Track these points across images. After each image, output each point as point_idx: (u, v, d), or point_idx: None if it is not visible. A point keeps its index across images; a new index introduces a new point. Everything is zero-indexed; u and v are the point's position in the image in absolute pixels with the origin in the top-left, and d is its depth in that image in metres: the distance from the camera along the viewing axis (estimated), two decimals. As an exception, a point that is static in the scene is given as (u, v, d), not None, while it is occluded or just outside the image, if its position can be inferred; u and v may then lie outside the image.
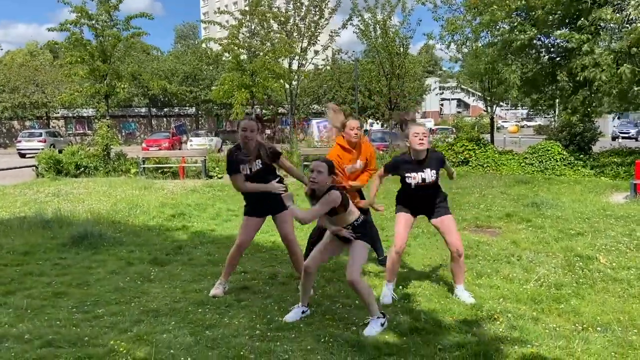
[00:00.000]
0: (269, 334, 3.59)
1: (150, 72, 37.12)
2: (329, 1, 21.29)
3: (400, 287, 4.56)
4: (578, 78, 12.41)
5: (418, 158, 4.15)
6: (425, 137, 4.10)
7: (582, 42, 12.10)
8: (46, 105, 42.18)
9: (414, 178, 4.15)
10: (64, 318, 3.88)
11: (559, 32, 12.48)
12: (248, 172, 4.34)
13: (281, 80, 19.40)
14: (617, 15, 11.68)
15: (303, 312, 3.91)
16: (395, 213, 4.44)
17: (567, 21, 12.98)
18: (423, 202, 4.31)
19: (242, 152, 4.35)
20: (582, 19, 12.12)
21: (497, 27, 14.67)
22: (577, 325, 3.67)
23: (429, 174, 4.15)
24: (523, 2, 13.03)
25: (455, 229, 4.33)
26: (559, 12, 12.95)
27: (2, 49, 47.76)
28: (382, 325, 3.64)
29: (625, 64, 11.51)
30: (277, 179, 4.43)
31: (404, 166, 4.19)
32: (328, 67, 34.21)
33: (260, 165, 4.34)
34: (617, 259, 5.33)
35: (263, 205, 4.44)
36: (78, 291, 4.59)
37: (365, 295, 3.68)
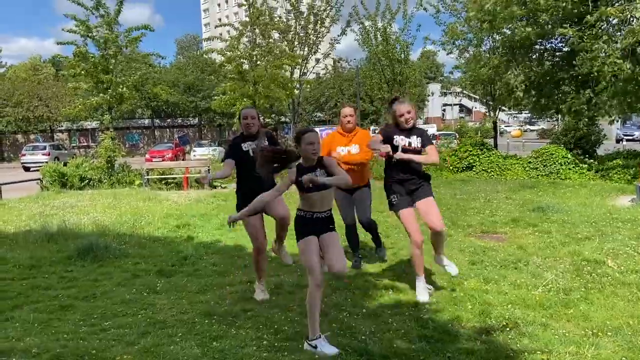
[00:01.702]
0: (276, 344, 3.57)
1: (153, 82, 37.42)
2: (330, 10, 21.43)
3: (407, 294, 4.53)
4: (581, 76, 12.41)
5: (406, 129, 4.50)
6: (410, 114, 4.44)
7: (585, 43, 12.13)
8: (50, 118, 42.44)
9: (402, 140, 4.45)
10: (71, 331, 3.88)
11: (563, 29, 12.46)
12: (255, 147, 4.39)
13: (285, 90, 19.46)
14: (620, 14, 11.69)
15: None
16: (394, 210, 4.54)
17: (568, 23, 12.99)
18: (409, 172, 4.47)
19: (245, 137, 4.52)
20: (588, 16, 12.10)
21: (499, 31, 14.72)
22: (586, 330, 3.64)
23: (415, 140, 4.47)
24: (524, 9, 13.06)
25: (436, 210, 4.47)
26: (560, 13, 12.97)
27: (5, 67, 48.00)
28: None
29: (627, 61, 11.50)
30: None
31: (393, 132, 4.50)
32: (329, 76, 34.33)
33: (267, 143, 4.42)
34: (625, 262, 5.30)
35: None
36: (84, 304, 4.59)
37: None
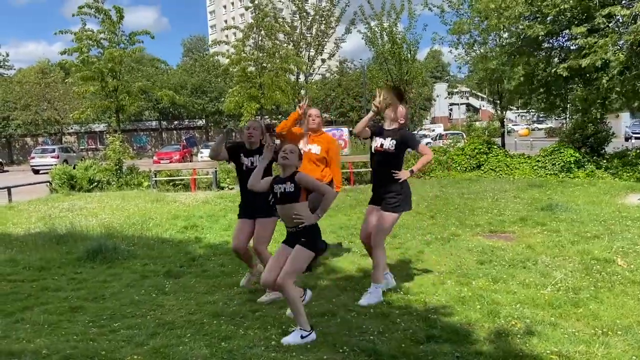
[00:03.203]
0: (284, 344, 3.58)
1: (160, 85, 37.59)
2: (334, 10, 21.43)
3: (415, 294, 4.53)
4: (588, 74, 12.35)
5: (387, 128, 4.60)
6: (395, 114, 4.50)
7: (591, 39, 12.09)
8: (59, 122, 42.72)
9: (376, 141, 4.54)
10: (81, 332, 3.90)
11: (575, 29, 12.42)
12: (249, 164, 4.53)
13: (287, 94, 19.49)
14: (627, 12, 11.62)
15: (302, 337, 3.59)
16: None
17: (575, 22, 12.91)
18: (378, 177, 4.60)
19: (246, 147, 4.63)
20: (597, 16, 12.02)
21: (504, 30, 14.68)
22: (596, 329, 3.61)
23: (388, 142, 4.47)
24: (530, 7, 13.00)
25: (378, 224, 4.52)
26: (567, 13, 12.90)
27: (12, 69, 48.39)
28: (303, 338, 3.56)
29: (621, 52, 11.42)
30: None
31: (377, 130, 4.61)
32: (334, 76, 34.27)
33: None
34: (635, 261, 5.26)
35: (249, 206, 4.60)
36: (94, 305, 4.62)
37: (292, 304, 3.64)
